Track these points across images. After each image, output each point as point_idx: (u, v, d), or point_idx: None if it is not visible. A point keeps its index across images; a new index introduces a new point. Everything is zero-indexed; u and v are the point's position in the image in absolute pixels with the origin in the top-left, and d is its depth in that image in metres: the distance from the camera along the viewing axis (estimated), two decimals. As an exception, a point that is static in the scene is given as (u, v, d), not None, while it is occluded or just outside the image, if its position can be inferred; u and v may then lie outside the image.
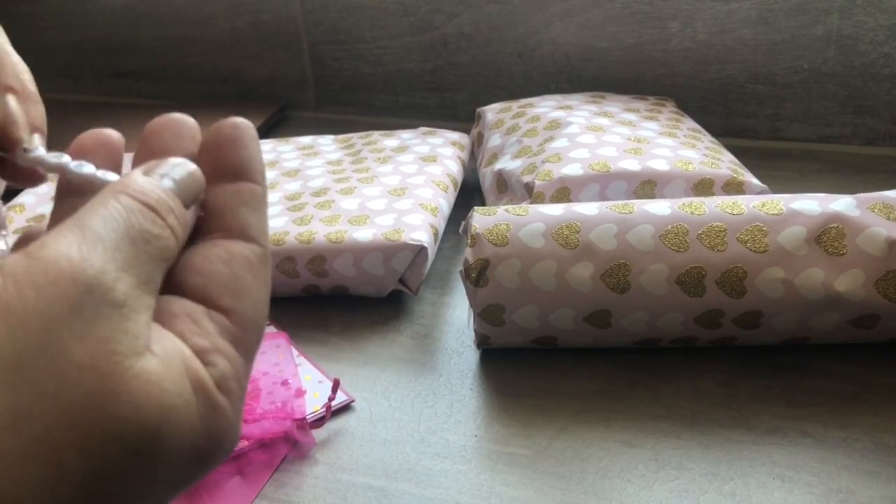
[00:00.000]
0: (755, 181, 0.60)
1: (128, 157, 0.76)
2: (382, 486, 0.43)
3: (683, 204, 0.49)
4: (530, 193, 0.60)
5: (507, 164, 0.65)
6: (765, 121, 0.81)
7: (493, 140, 0.70)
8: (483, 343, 0.51)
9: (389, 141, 0.73)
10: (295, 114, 0.97)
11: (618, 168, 0.59)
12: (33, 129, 0.30)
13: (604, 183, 0.59)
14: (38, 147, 0.28)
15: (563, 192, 0.59)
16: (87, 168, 0.25)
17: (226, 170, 0.24)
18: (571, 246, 0.47)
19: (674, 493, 0.41)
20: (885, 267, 0.45)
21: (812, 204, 0.48)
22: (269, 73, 0.98)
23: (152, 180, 0.22)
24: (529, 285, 0.47)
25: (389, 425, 0.47)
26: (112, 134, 0.27)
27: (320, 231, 0.58)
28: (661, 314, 0.47)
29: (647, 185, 0.59)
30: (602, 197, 0.59)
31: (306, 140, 0.76)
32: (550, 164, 0.61)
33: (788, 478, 0.41)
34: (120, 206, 0.21)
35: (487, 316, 0.49)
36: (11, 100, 0.29)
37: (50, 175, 0.29)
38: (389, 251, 0.56)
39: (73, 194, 0.26)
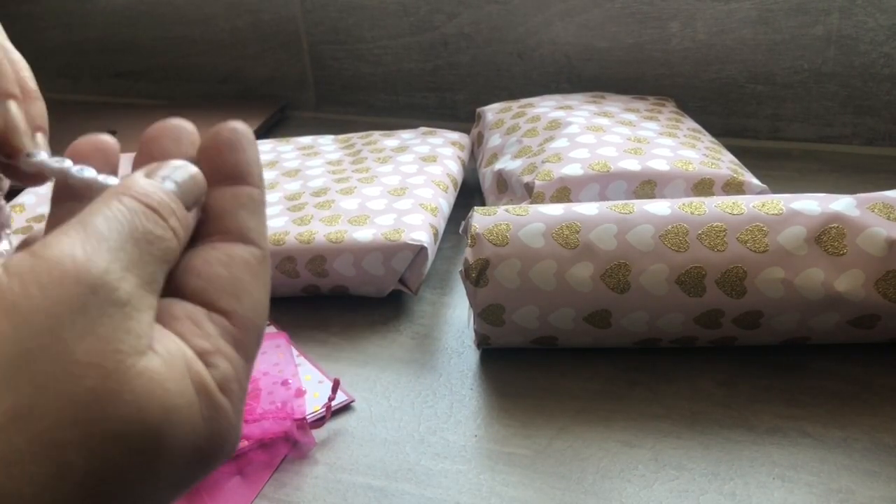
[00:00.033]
0: (755, 181, 0.60)
1: (127, 158, 0.76)
2: (382, 486, 0.43)
3: (683, 204, 0.49)
4: (530, 193, 0.60)
5: (507, 164, 0.65)
6: (765, 121, 0.81)
7: (493, 140, 0.70)
8: (483, 343, 0.51)
9: (389, 141, 0.73)
10: (295, 114, 0.97)
11: (618, 168, 0.59)
12: (35, 127, 0.30)
13: (604, 183, 0.59)
14: (40, 152, 0.28)
15: (563, 192, 0.59)
16: (89, 172, 0.25)
17: (224, 173, 0.24)
18: (571, 246, 0.47)
19: (674, 493, 0.41)
20: (885, 267, 0.45)
21: (812, 204, 0.48)
22: (269, 73, 0.98)
23: (154, 182, 0.22)
24: (529, 285, 0.47)
25: (389, 425, 0.47)
26: (108, 139, 0.27)
27: (320, 231, 0.58)
28: (661, 314, 0.47)
29: (647, 185, 0.59)
30: (602, 197, 0.59)
31: (306, 140, 0.76)
32: (550, 164, 0.61)
33: (788, 478, 0.41)
34: (123, 207, 0.21)
35: (487, 316, 0.49)
36: (13, 106, 0.29)
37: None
38: (389, 251, 0.56)
39: (70, 198, 0.26)
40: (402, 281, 0.57)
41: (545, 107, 0.72)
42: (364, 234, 0.57)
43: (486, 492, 0.42)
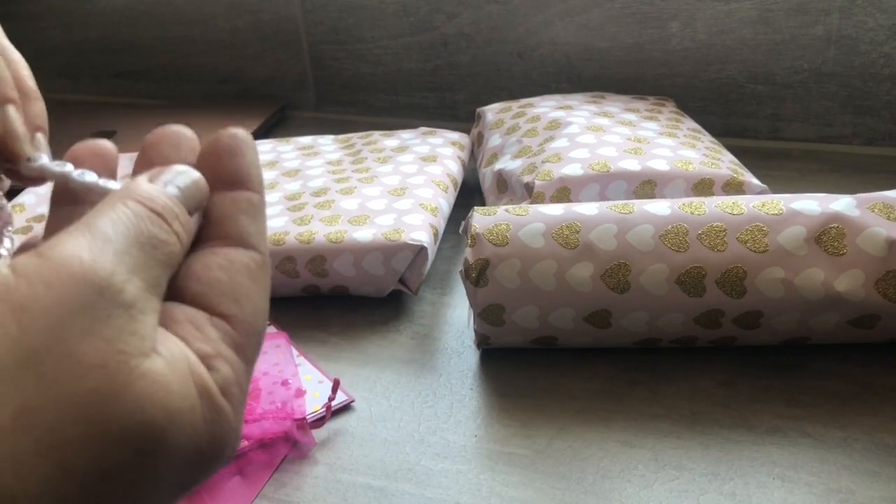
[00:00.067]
0: (755, 181, 0.60)
1: (127, 158, 0.76)
2: (382, 486, 0.43)
3: (683, 204, 0.49)
4: (530, 193, 0.60)
5: (507, 164, 0.65)
6: (765, 121, 0.81)
7: (493, 140, 0.70)
8: (483, 343, 0.51)
9: (389, 141, 0.73)
10: (295, 114, 0.97)
11: (618, 168, 0.59)
12: (35, 128, 0.30)
13: (604, 183, 0.59)
14: (41, 155, 0.28)
15: (563, 192, 0.59)
16: (90, 176, 0.25)
17: (225, 178, 0.24)
18: (571, 246, 0.47)
19: (674, 493, 0.41)
20: (885, 267, 0.45)
21: (812, 204, 0.48)
22: (269, 73, 0.98)
23: (158, 187, 0.23)
24: (529, 285, 0.47)
25: (389, 425, 0.47)
26: (106, 144, 0.27)
27: (320, 231, 0.58)
28: (661, 314, 0.47)
29: (647, 185, 0.59)
30: (602, 197, 0.59)
31: (306, 140, 0.76)
32: (550, 164, 0.61)
33: (788, 478, 0.41)
34: (129, 211, 0.21)
35: (487, 316, 0.49)
36: (12, 112, 0.29)
37: None
38: (389, 251, 0.56)
39: (69, 202, 0.26)
40: (402, 281, 0.57)
41: (545, 107, 0.72)
42: (364, 234, 0.57)
43: (486, 492, 0.42)
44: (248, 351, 0.23)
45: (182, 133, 0.26)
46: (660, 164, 0.60)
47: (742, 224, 0.47)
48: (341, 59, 0.94)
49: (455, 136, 0.74)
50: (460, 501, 0.41)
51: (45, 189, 0.68)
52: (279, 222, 0.60)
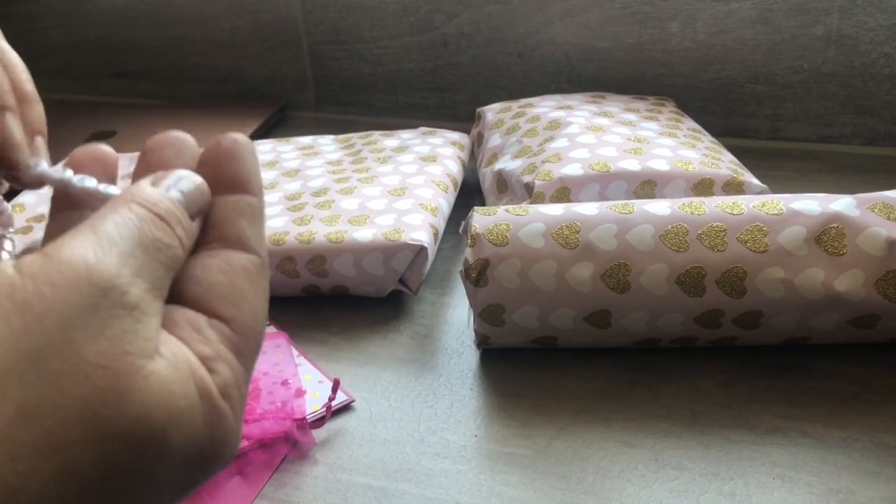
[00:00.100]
0: (755, 181, 0.60)
1: (127, 158, 0.76)
2: (382, 486, 0.43)
3: (683, 204, 0.49)
4: (530, 193, 0.60)
5: (507, 164, 0.65)
6: (765, 121, 0.81)
7: (493, 140, 0.70)
8: (483, 343, 0.51)
9: (389, 141, 0.73)
10: (295, 114, 0.97)
11: (618, 168, 0.59)
12: (33, 131, 0.30)
13: (604, 183, 0.59)
14: (40, 161, 0.28)
15: (563, 192, 0.59)
16: (90, 182, 0.26)
17: (225, 182, 0.25)
18: (571, 246, 0.47)
19: (674, 493, 0.41)
20: (885, 267, 0.45)
21: (812, 204, 0.48)
22: (269, 73, 0.98)
23: (161, 191, 0.23)
24: (529, 285, 0.47)
25: (389, 425, 0.47)
26: (107, 150, 0.27)
27: (320, 231, 0.58)
28: (661, 314, 0.47)
29: (647, 185, 0.59)
30: (602, 197, 0.59)
31: (306, 140, 0.76)
32: (550, 164, 0.61)
33: (788, 478, 0.41)
34: (132, 214, 0.21)
35: (487, 316, 0.49)
36: (10, 120, 0.29)
37: None
38: (389, 251, 0.56)
39: (69, 208, 0.26)
40: (402, 281, 0.57)
41: (545, 107, 0.72)
42: (364, 234, 0.57)
43: (486, 492, 0.42)
44: (247, 353, 0.23)
45: (184, 139, 0.26)
46: (660, 164, 0.60)
47: (742, 224, 0.47)
48: (341, 59, 0.94)
49: (455, 136, 0.74)
50: (460, 501, 0.41)
51: (46, 189, 0.68)
52: (279, 222, 0.60)
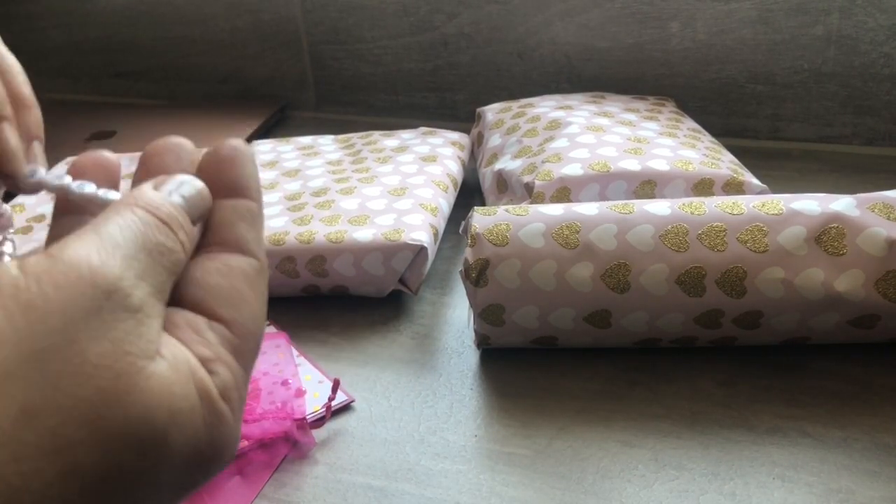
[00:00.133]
0: (755, 181, 0.60)
1: (128, 158, 0.75)
2: (382, 486, 0.43)
3: (683, 204, 0.49)
4: (530, 193, 0.60)
5: (507, 164, 0.65)
6: (765, 121, 0.81)
7: (493, 140, 0.70)
8: (483, 343, 0.51)
9: (389, 141, 0.73)
10: (295, 114, 0.97)
11: (618, 168, 0.59)
12: (31, 137, 0.30)
13: (604, 183, 0.59)
14: (38, 168, 0.28)
15: (563, 192, 0.59)
16: (89, 188, 0.26)
17: (224, 186, 0.25)
18: (571, 246, 0.47)
19: (674, 493, 0.41)
20: (885, 267, 0.45)
21: (812, 204, 0.48)
22: (269, 73, 0.98)
23: (163, 196, 0.23)
24: (529, 285, 0.47)
25: (389, 425, 0.47)
26: (109, 156, 0.27)
27: (320, 231, 0.58)
28: (661, 314, 0.47)
29: (647, 185, 0.59)
30: (602, 197, 0.59)
31: (306, 140, 0.76)
32: (550, 164, 0.61)
33: (788, 478, 0.41)
34: (136, 218, 0.22)
35: (487, 316, 0.49)
36: (7, 130, 0.29)
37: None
38: (389, 251, 0.56)
39: (70, 213, 0.26)
40: (402, 281, 0.57)
41: (545, 107, 0.72)
42: (364, 234, 0.57)
43: (486, 492, 0.42)
44: (246, 356, 0.23)
45: (181, 144, 0.26)
46: (660, 164, 0.60)
47: (742, 224, 0.47)
48: (341, 59, 0.94)
49: (455, 136, 0.74)
50: (460, 501, 0.41)
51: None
52: (279, 222, 0.60)
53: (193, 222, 0.23)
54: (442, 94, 0.91)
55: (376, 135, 0.75)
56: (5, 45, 0.31)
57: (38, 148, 0.30)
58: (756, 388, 0.47)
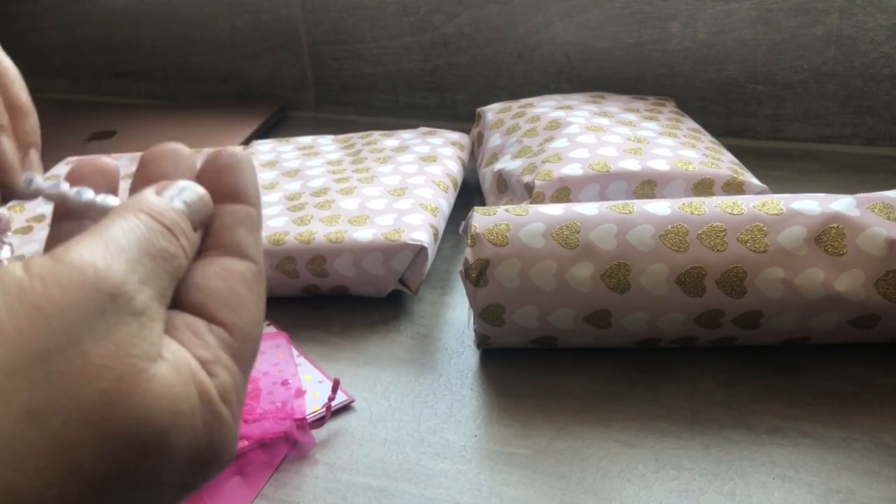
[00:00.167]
0: (755, 181, 0.60)
1: (127, 158, 0.75)
2: (382, 486, 0.43)
3: (683, 204, 0.49)
4: (530, 193, 0.60)
5: (507, 164, 0.65)
6: (765, 121, 0.81)
7: (493, 140, 0.71)
8: (483, 343, 0.51)
9: (389, 141, 0.73)
10: (295, 114, 0.97)
11: (618, 168, 0.59)
12: (27, 144, 0.30)
13: (604, 183, 0.59)
14: (35, 177, 0.28)
15: (563, 192, 0.59)
16: (87, 194, 0.26)
17: (224, 192, 0.25)
18: (571, 246, 0.47)
19: (674, 493, 0.41)
20: (885, 267, 0.45)
21: (812, 204, 0.48)
22: (269, 73, 0.98)
23: (166, 201, 0.23)
24: (529, 285, 0.47)
25: (389, 425, 0.47)
26: (108, 161, 0.28)
27: (320, 231, 0.58)
28: (661, 314, 0.47)
29: (647, 185, 0.59)
30: (602, 197, 0.59)
31: (306, 140, 0.76)
32: (550, 164, 0.61)
33: (788, 478, 0.41)
34: (140, 223, 0.22)
35: (487, 316, 0.49)
36: (5, 143, 0.29)
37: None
38: (389, 251, 0.56)
39: (70, 218, 0.27)
40: (402, 281, 0.57)
41: (545, 107, 0.72)
42: (364, 234, 0.57)
43: (486, 492, 0.42)
44: (244, 359, 0.23)
45: (178, 150, 0.26)
46: (660, 164, 0.60)
47: (742, 224, 0.47)
48: (341, 59, 0.94)
49: (455, 136, 0.74)
50: (460, 501, 0.41)
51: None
52: (279, 222, 0.60)
53: (195, 228, 0.24)
54: (442, 94, 0.92)
55: (376, 135, 0.75)
56: (4, 45, 0.31)
57: (34, 155, 0.30)
58: (756, 388, 0.47)
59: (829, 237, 0.46)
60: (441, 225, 0.61)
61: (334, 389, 0.47)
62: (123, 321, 0.20)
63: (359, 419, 0.48)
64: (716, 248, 0.46)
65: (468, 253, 0.48)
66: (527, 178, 0.61)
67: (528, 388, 0.49)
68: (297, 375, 0.49)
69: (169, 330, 0.22)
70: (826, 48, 0.76)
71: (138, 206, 0.22)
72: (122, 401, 0.19)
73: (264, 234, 0.58)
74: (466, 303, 0.53)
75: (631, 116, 0.70)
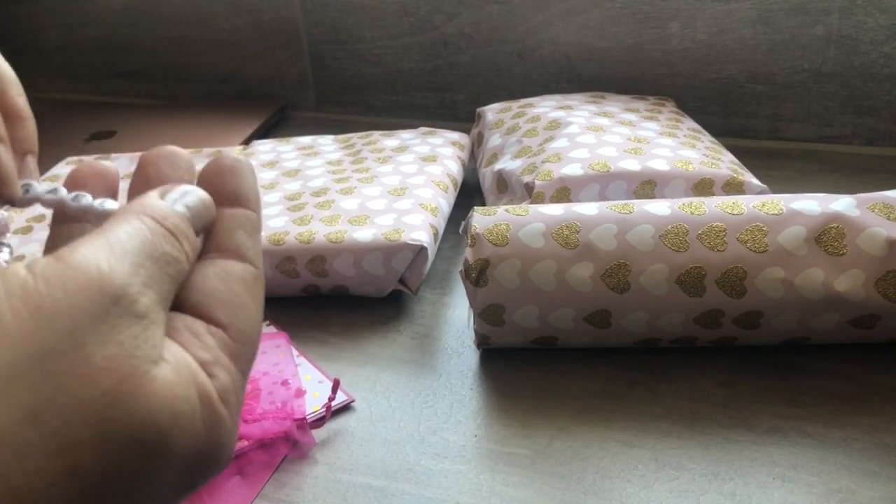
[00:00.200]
0: (755, 181, 0.60)
1: (127, 158, 0.75)
2: (382, 486, 0.43)
3: (683, 204, 0.49)
4: (530, 193, 0.60)
5: (507, 164, 0.65)
6: (765, 121, 0.81)
7: (493, 140, 0.71)
8: (483, 343, 0.51)
9: (389, 141, 0.73)
10: (295, 114, 0.97)
11: (618, 168, 0.59)
12: (25, 151, 0.29)
13: (604, 183, 0.59)
14: (33, 185, 0.28)
15: (563, 192, 0.59)
16: (85, 200, 0.26)
17: (224, 195, 0.25)
18: (571, 246, 0.47)
19: (674, 493, 0.41)
20: (885, 267, 0.45)
21: (812, 204, 0.48)
22: (269, 73, 0.98)
23: (169, 205, 0.23)
24: (529, 285, 0.47)
25: (389, 425, 0.47)
26: (108, 166, 0.28)
27: (320, 231, 0.58)
28: (661, 314, 0.47)
29: (647, 185, 0.59)
30: (602, 197, 0.59)
31: (306, 140, 0.76)
32: (550, 164, 0.61)
33: (788, 478, 0.41)
34: (144, 226, 0.22)
35: (487, 316, 0.49)
36: (3, 154, 0.28)
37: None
38: (389, 251, 0.56)
39: (69, 221, 0.27)
40: (402, 281, 0.57)
41: (545, 107, 0.72)
42: (364, 234, 0.57)
43: (486, 492, 0.42)
44: (243, 360, 0.23)
45: (176, 153, 0.27)
46: (660, 164, 0.60)
47: (742, 224, 0.47)
48: (341, 59, 0.94)
49: (455, 136, 0.74)
50: (460, 501, 0.41)
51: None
52: (279, 222, 0.60)
53: (197, 233, 0.24)
54: (442, 94, 0.92)
55: (376, 135, 0.75)
56: (4, 45, 0.31)
57: (31, 162, 0.30)
58: (756, 388, 0.47)
59: (829, 237, 0.46)
60: (441, 225, 0.61)
61: (334, 389, 0.47)
62: (126, 323, 0.20)
63: (359, 419, 0.48)
64: (716, 248, 0.46)
65: (468, 253, 0.48)
66: (527, 178, 0.61)
67: (528, 388, 0.49)
68: (297, 375, 0.49)
69: (169, 331, 0.22)
70: (826, 48, 0.76)
71: (142, 209, 0.22)
72: (124, 402, 0.19)
73: (264, 234, 0.58)
74: (466, 303, 0.53)
75: (631, 116, 0.70)
